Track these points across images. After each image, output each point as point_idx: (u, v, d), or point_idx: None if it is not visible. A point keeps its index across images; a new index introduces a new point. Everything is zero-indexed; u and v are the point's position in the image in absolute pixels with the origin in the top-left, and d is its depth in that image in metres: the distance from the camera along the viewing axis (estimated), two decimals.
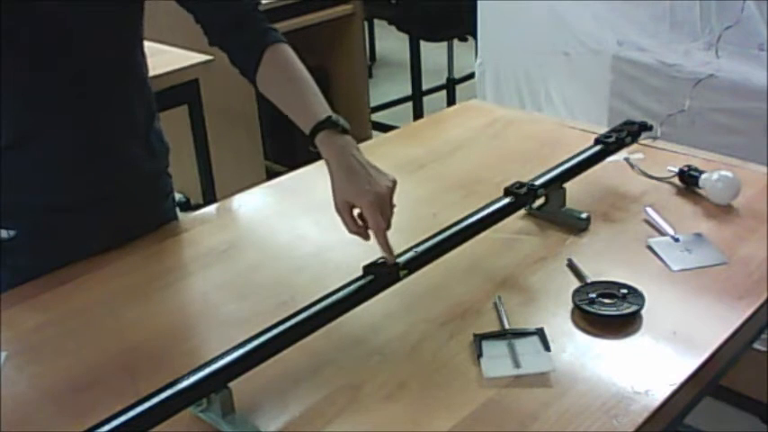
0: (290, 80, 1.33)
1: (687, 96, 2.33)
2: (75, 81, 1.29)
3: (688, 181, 1.51)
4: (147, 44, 1.40)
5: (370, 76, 4.86)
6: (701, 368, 1.08)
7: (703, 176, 1.48)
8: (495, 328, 1.16)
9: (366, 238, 1.18)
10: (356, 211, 1.19)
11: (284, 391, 1.07)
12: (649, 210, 1.43)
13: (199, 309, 1.29)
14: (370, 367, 1.10)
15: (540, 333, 1.13)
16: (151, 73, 1.44)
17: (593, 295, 1.19)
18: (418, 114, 4.07)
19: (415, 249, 1.20)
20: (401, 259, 1.17)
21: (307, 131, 1.25)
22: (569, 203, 1.43)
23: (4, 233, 1.33)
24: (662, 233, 1.37)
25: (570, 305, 1.19)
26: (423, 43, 3.93)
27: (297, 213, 1.54)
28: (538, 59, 2.83)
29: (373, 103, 4.07)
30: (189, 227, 1.51)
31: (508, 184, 1.37)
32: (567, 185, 1.43)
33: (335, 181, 1.20)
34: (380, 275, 1.14)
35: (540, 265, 1.31)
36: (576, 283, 1.24)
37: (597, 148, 1.50)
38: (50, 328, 1.23)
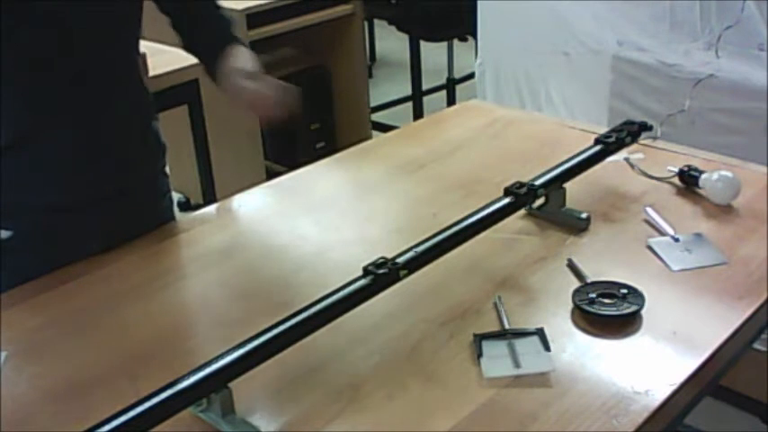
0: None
1: (687, 96, 2.33)
2: (74, 81, 1.29)
3: (688, 181, 1.51)
4: (147, 44, 1.41)
5: (370, 76, 4.86)
6: (701, 368, 1.08)
7: (703, 176, 1.48)
8: (495, 328, 1.16)
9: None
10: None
11: (284, 391, 1.07)
12: (649, 210, 1.43)
13: (199, 309, 1.29)
14: (370, 367, 1.10)
15: (540, 333, 1.13)
16: (151, 73, 1.45)
17: (593, 295, 1.19)
18: (418, 114, 4.07)
19: (415, 249, 1.20)
20: (401, 259, 1.17)
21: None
22: (569, 203, 1.43)
23: (3, 233, 1.33)
24: (662, 233, 1.37)
25: (570, 305, 1.19)
26: (423, 43, 3.93)
27: (297, 213, 1.54)
28: (538, 59, 2.83)
29: (373, 103, 4.07)
30: (189, 227, 1.51)
31: (508, 184, 1.37)
32: (567, 185, 1.43)
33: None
34: (380, 275, 1.14)
35: (540, 265, 1.32)
36: (576, 283, 1.24)
37: (597, 148, 1.50)
38: (50, 328, 1.23)
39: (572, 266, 1.29)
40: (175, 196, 3.21)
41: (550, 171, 1.43)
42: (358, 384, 1.07)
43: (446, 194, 1.55)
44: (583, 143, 1.53)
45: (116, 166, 1.38)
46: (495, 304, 1.21)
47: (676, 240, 1.35)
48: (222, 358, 1.00)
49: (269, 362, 1.03)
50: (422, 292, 1.24)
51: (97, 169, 1.35)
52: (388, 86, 4.89)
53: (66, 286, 1.32)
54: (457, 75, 4.22)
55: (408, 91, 4.13)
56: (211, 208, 1.67)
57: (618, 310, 1.16)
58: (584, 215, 1.41)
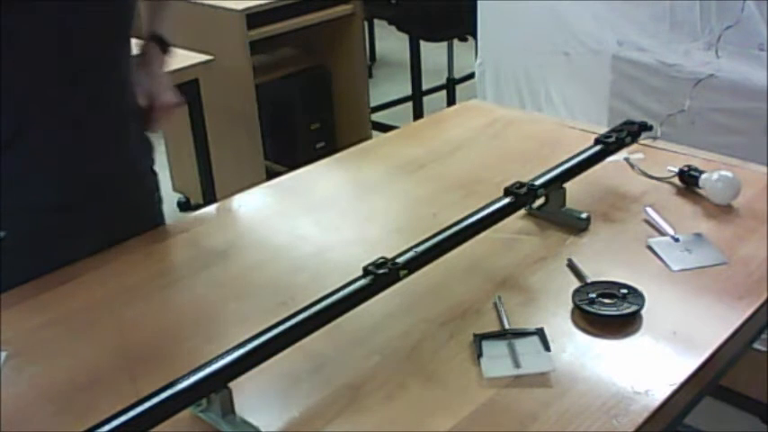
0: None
1: (687, 96, 2.33)
2: (73, 81, 1.29)
3: (688, 181, 1.51)
4: None
5: (370, 76, 4.86)
6: (701, 368, 1.08)
7: (703, 176, 1.48)
8: (495, 328, 1.16)
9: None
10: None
11: (284, 391, 1.07)
12: (649, 210, 1.43)
13: (199, 309, 1.29)
14: (370, 367, 1.10)
15: (540, 333, 1.13)
16: None
17: (593, 295, 1.19)
18: (418, 114, 4.07)
19: (415, 249, 1.20)
20: (401, 259, 1.17)
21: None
22: (569, 203, 1.43)
23: (1, 233, 1.32)
24: (662, 233, 1.37)
25: (570, 305, 1.19)
26: (423, 43, 3.93)
27: (297, 213, 1.54)
28: (538, 59, 2.83)
29: (373, 103, 4.07)
30: (189, 227, 1.51)
31: (508, 184, 1.37)
32: (567, 185, 1.43)
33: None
34: (380, 275, 1.14)
35: (540, 265, 1.32)
36: (576, 283, 1.24)
37: (597, 148, 1.50)
38: (50, 328, 1.23)
39: (572, 266, 1.29)
40: (175, 196, 3.23)
41: (550, 171, 1.43)
42: (358, 384, 1.07)
43: (446, 194, 1.55)
44: (583, 143, 1.53)
45: (112, 165, 1.38)
46: (495, 304, 1.21)
47: (676, 240, 1.35)
48: (222, 358, 1.00)
49: (269, 362, 1.03)
50: (422, 292, 1.24)
51: (93, 168, 1.35)
52: (388, 86, 4.89)
53: (66, 286, 1.32)
54: (457, 75, 4.22)
55: (408, 91, 4.13)
56: (211, 208, 1.67)
57: (618, 310, 1.16)
58: (584, 215, 1.41)
